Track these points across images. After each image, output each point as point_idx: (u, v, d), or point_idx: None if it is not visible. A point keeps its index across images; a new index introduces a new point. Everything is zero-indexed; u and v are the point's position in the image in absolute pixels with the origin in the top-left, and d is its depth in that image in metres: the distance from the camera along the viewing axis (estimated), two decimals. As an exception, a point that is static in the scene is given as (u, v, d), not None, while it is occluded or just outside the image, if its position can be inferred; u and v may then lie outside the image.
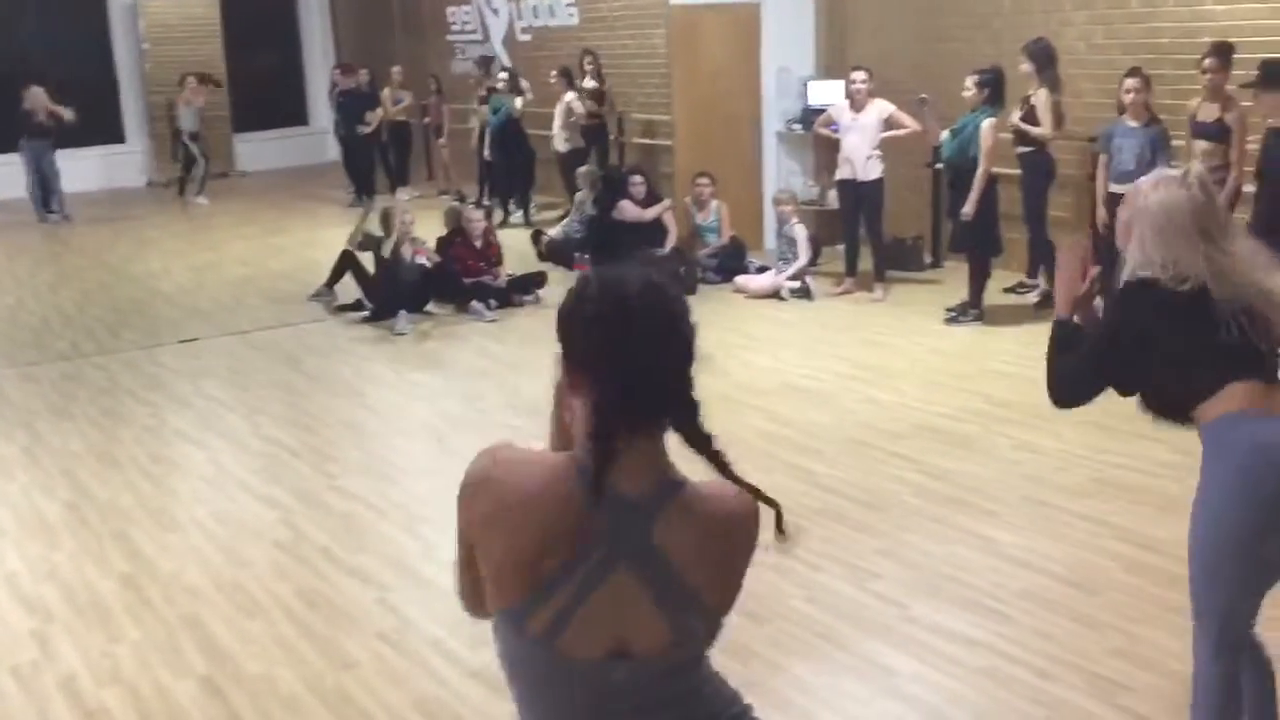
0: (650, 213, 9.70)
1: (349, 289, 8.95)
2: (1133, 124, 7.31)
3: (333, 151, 15.98)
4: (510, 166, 12.49)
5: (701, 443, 1.72)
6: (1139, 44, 8.20)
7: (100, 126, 15.13)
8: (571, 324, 1.74)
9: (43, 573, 4.73)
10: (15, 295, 10.01)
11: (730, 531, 1.77)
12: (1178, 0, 8.04)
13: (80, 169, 15.13)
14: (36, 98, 13.29)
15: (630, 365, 1.68)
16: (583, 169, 10.85)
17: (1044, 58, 7.88)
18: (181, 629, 4.23)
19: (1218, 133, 7.01)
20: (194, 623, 4.27)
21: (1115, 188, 7.39)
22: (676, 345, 1.71)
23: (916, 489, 5.24)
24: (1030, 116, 7.97)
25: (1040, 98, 7.90)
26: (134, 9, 16.61)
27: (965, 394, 6.48)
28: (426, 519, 5.17)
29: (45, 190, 13.74)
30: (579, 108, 11.48)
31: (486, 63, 13.27)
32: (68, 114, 13.33)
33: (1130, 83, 7.31)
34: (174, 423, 6.62)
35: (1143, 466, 5.31)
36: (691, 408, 1.72)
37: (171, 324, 8.81)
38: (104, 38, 16.67)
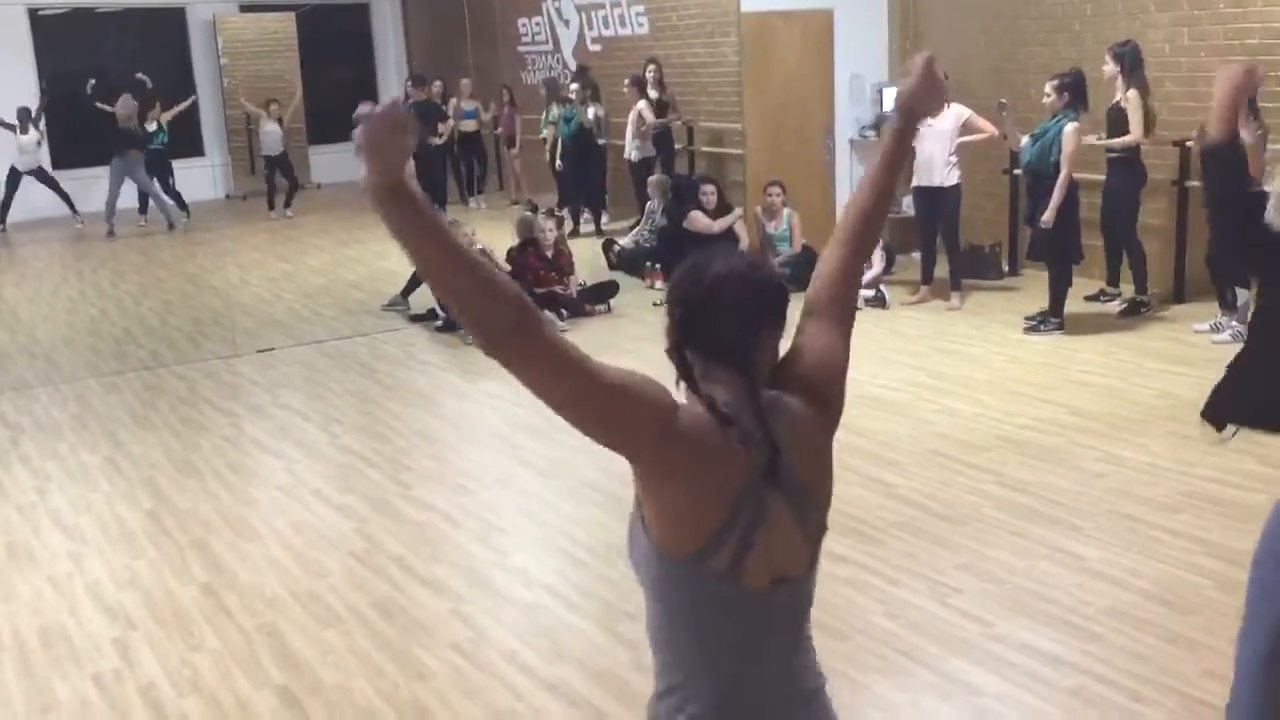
0: (720, 223, 9.64)
1: (423, 298, 9.02)
2: None
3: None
4: (581, 176, 12.53)
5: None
6: (1226, 45, 7.98)
7: (180, 140, 15.44)
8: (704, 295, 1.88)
9: (124, 581, 4.80)
10: (99, 306, 10.24)
11: (814, 415, 1.93)
12: (1267, 0, 7.81)
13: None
14: (125, 105, 13.64)
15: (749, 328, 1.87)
16: (653, 178, 10.83)
17: (1133, 59, 7.71)
18: (259, 638, 4.26)
19: None
20: (272, 632, 4.30)
21: None
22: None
23: (997, 502, 5.12)
24: (1119, 122, 7.79)
25: (1131, 100, 7.71)
26: (212, 25, 16.96)
27: (1046, 405, 6.33)
28: (500, 529, 5.17)
29: (142, 200, 14.25)
30: (650, 116, 11.46)
31: (554, 85, 13.32)
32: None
33: None
34: (251, 432, 6.71)
35: (1233, 480, 5.15)
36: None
37: (249, 334, 8.94)
38: (183, 53, 17.04)
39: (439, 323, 8.73)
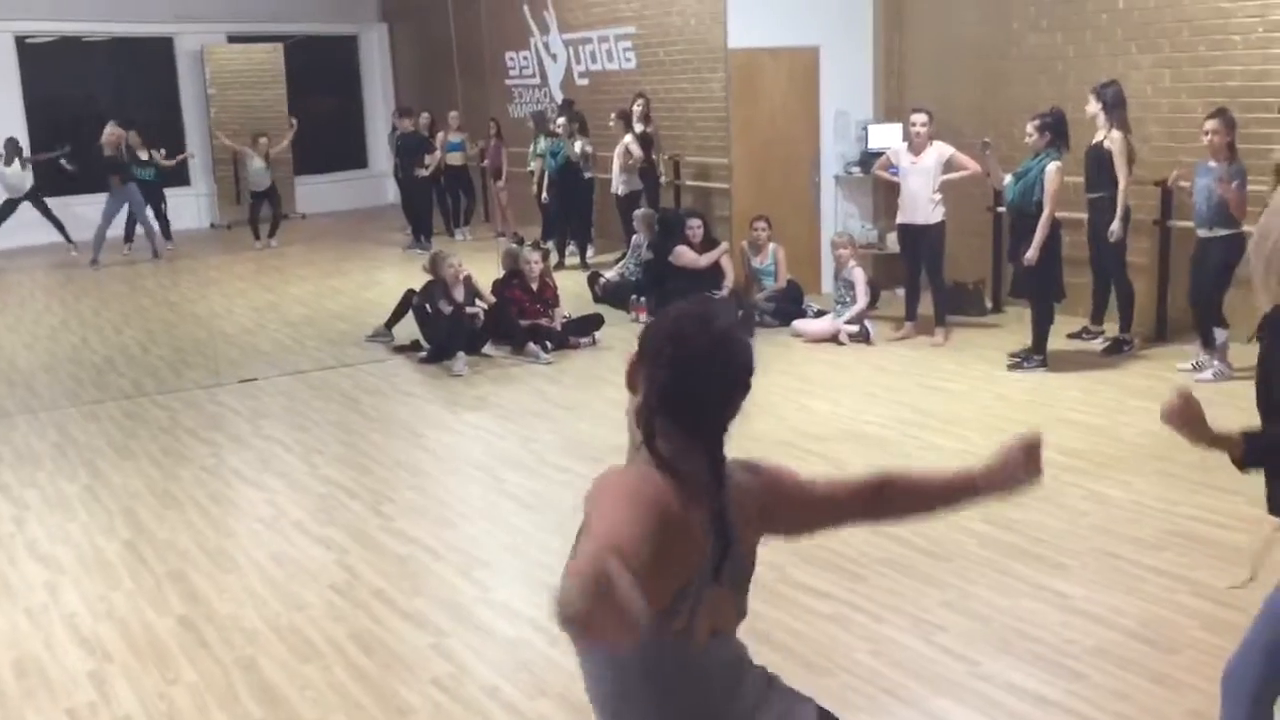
0: (707, 258, 9.66)
1: (407, 329, 9.01)
2: (1212, 164, 7.20)
3: (391, 194, 16.20)
4: (568, 210, 12.56)
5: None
6: (1207, 87, 8.08)
7: (170, 170, 15.43)
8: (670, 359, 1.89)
9: (101, 612, 4.74)
10: (80, 334, 10.18)
11: (762, 489, 2.01)
12: (1247, 44, 7.91)
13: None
14: (111, 134, 13.60)
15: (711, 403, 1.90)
16: (639, 212, 10.87)
17: (1115, 99, 7.78)
18: (237, 672, 4.20)
19: None
20: (250, 666, 4.25)
21: (1196, 230, 7.31)
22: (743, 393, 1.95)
23: (982, 539, 5.11)
24: (1097, 161, 7.86)
25: (1115, 140, 7.78)
26: (200, 55, 17.00)
27: (1030, 442, 6.32)
28: (483, 562, 5.13)
29: (129, 229, 14.20)
30: (636, 151, 11.52)
31: (541, 118, 13.38)
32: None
33: (1210, 124, 7.21)
34: (232, 462, 6.66)
35: (1217, 519, 5.15)
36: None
37: (232, 364, 8.90)
38: (171, 83, 17.07)
39: (423, 354, 8.72)
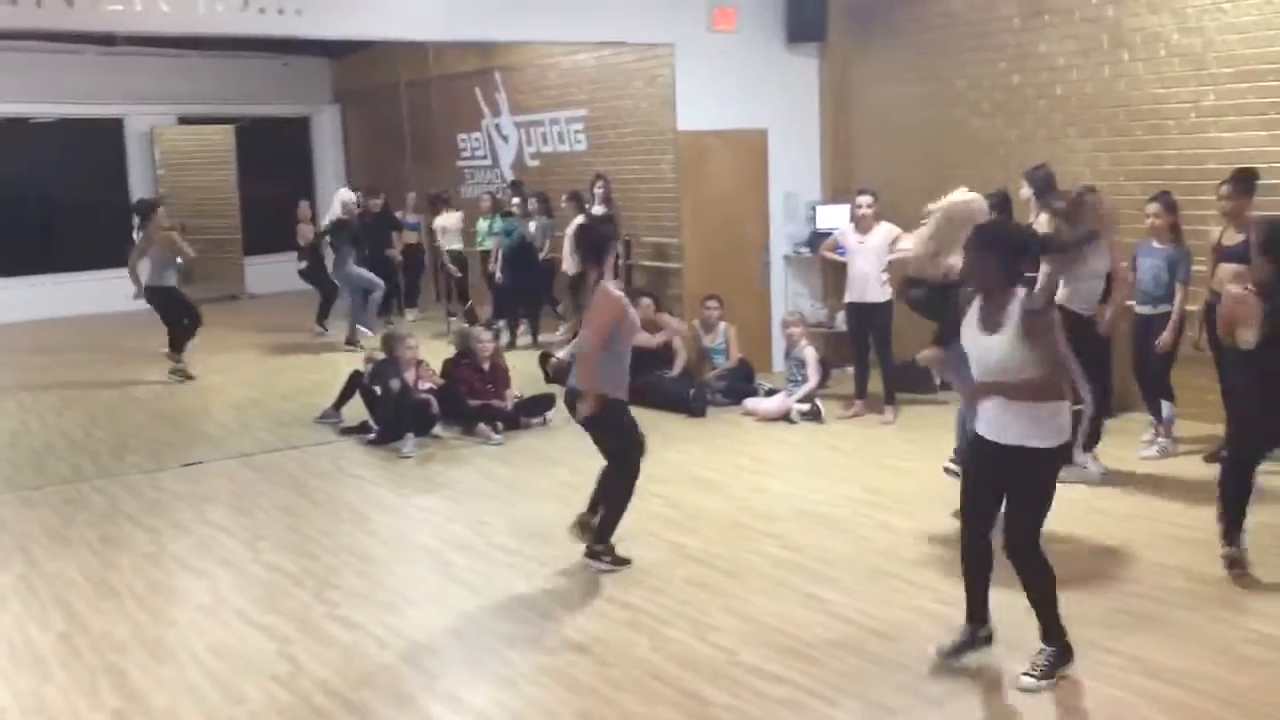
0: (657, 338, 9.67)
1: (356, 411, 8.90)
2: (1156, 245, 7.35)
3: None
4: (522, 289, 12.56)
5: None
6: (1145, 170, 8.29)
7: (115, 251, 15.28)
8: None
9: (31, 707, 4.56)
10: (19, 419, 9.96)
11: None
12: (1181, 129, 8.14)
13: (89, 292, 15.30)
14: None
15: None
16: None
17: (1044, 184, 7.91)
18: (172, 769, 4.04)
19: (1244, 255, 7.04)
20: (185, 763, 4.09)
21: (1137, 308, 7.42)
22: None
23: (935, 619, 5.06)
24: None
25: (1043, 223, 7.92)
26: (149, 136, 16.95)
27: (982, 520, 6.33)
28: (429, 650, 5.01)
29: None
30: (588, 232, 11.55)
31: (496, 198, 13.45)
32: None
33: (1152, 207, 7.40)
34: (173, 549, 6.49)
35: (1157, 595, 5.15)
36: None
37: (175, 447, 8.73)
38: (120, 164, 16.99)
39: (371, 436, 8.61)
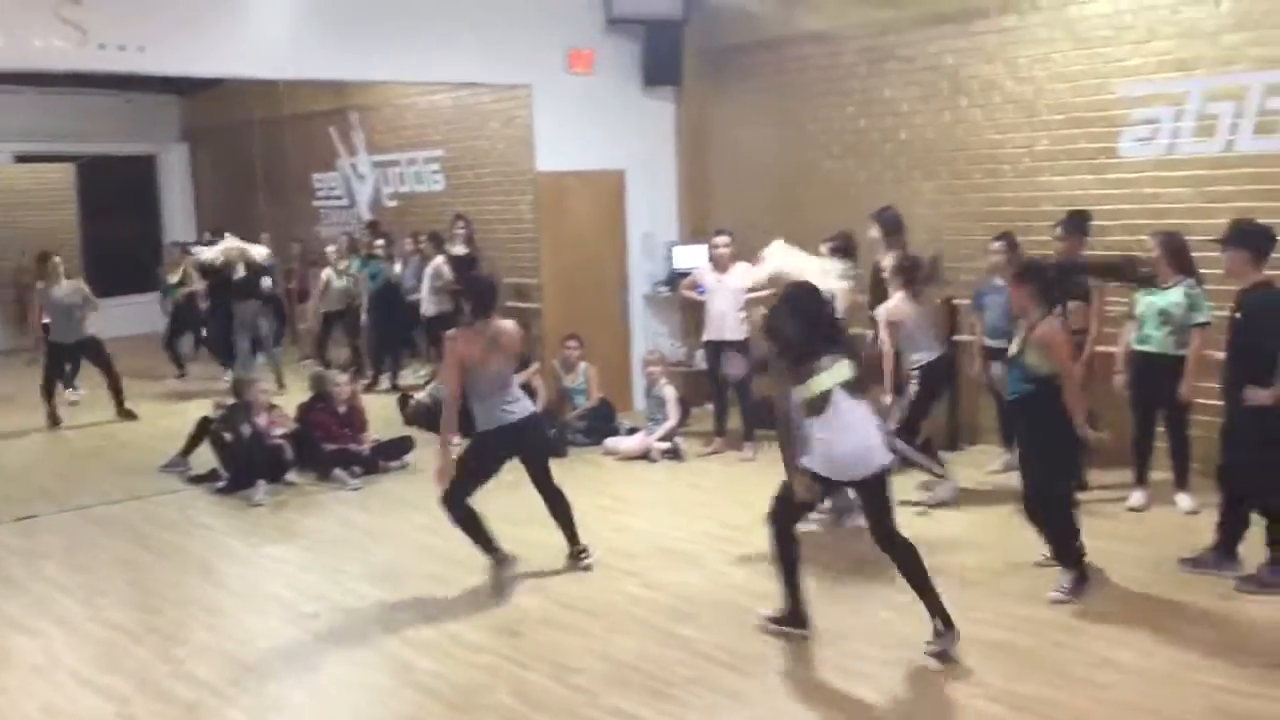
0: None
1: (204, 458, 8.60)
2: (999, 283, 7.61)
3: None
4: (386, 331, 12.33)
5: None
6: (985, 211, 8.62)
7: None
8: None
9: None
10: None
11: None
12: (1017, 172, 8.51)
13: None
14: None
15: None
16: (450, 332, 10.73)
17: (892, 225, 8.14)
18: (-4, 844, 3.80)
19: (1082, 295, 7.38)
20: (11, 836, 3.85)
21: (989, 342, 7.71)
22: None
23: (787, 651, 5.12)
24: (879, 281, 8.23)
25: (888, 263, 8.15)
26: (-16, 174, 16.22)
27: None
28: (278, 706, 4.84)
29: None
30: (447, 272, 11.47)
31: (354, 239, 13.20)
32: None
33: (995, 245, 7.73)
34: (4, 608, 6.12)
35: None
36: None
37: (7, 500, 8.27)
38: (-49, 202, 16.19)
39: (221, 483, 8.31)
